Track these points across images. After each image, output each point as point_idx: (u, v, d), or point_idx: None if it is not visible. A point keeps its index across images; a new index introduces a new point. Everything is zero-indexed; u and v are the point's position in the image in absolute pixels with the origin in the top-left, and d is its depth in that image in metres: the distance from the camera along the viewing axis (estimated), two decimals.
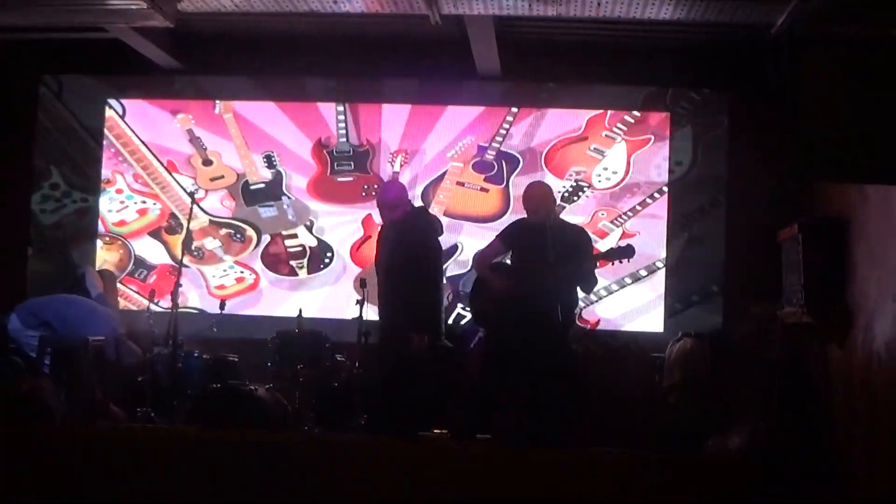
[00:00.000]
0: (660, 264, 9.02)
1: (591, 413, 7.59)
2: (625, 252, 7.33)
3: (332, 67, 9.39)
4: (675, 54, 8.86)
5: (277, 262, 9.44)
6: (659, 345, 8.59)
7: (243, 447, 6.12)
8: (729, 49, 8.65)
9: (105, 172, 9.59)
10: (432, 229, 7.67)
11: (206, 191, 9.51)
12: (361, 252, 9.26)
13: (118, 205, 9.59)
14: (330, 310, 9.08)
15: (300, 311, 8.04)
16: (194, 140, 9.54)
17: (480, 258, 7.57)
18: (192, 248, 9.40)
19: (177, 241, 9.20)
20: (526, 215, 7.46)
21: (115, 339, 8.02)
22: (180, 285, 7.81)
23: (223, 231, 9.47)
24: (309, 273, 9.40)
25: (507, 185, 9.23)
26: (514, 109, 9.29)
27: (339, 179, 9.40)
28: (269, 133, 9.51)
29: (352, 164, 9.41)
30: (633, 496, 5.80)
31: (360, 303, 7.66)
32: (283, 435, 6.70)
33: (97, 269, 9.14)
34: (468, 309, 8.10)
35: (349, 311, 7.85)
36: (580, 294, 7.45)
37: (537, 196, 7.41)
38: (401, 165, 9.34)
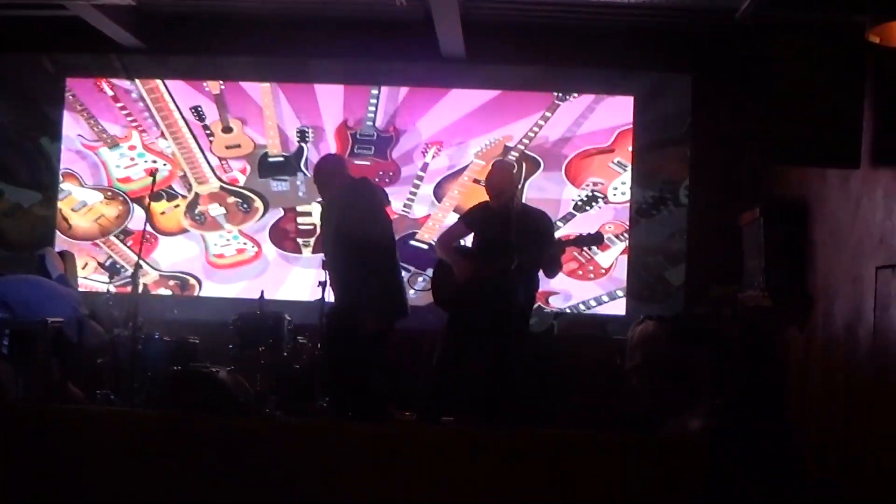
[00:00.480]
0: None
1: (553, 395, 7.62)
2: (594, 239, 7.31)
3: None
4: (639, 38, 8.87)
5: (284, 237, 9.43)
6: (621, 327, 8.64)
7: (204, 430, 6.08)
8: (693, 33, 8.68)
9: (122, 129, 9.56)
10: (377, 199, 7.32)
11: (220, 158, 9.52)
12: None
13: (128, 161, 9.55)
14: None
15: (262, 292, 8.00)
16: (220, 105, 9.50)
17: (442, 241, 7.50)
18: (196, 213, 9.44)
19: (158, 208, 9.25)
20: (488, 199, 7.40)
21: (78, 319, 7.94)
22: (140, 266, 7.73)
23: (231, 199, 9.44)
24: (314, 252, 9.32)
25: (522, 188, 9.10)
26: (548, 114, 9.25)
27: (357, 163, 9.30)
28: (297, 109, 9.48)
29: (372, 148, 9.38)
30: (593, 475, 5.81)
31: (322, 284, 7.62)
32: (244, 418, 6.65)
33: (57, 249, 9.07)
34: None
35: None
36: (542, 278, 7.45)
37: (500, 180, 7.30)
38: (433, 157, 9.33)
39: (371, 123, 9.38)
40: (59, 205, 9.52)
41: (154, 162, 9.46)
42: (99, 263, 9.45)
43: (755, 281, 7.27)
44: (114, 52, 9.33)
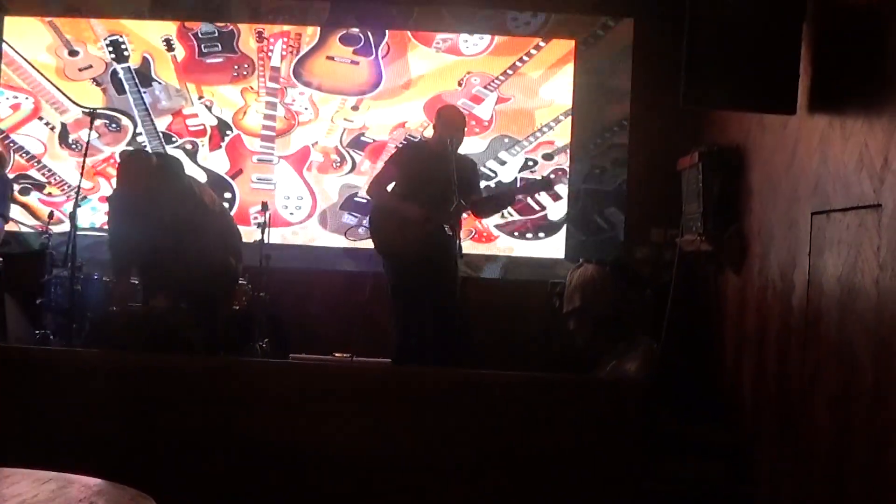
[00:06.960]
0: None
1: (492, 338, 7.67)
2: (544, 185, 7.28)
3: None
4: None
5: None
6: (560, 271, 8.67)
7: (141, 370, 6.04)
8: None
9: None
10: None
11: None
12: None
13: None
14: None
15: None
16: (56, 31, 9.31)
17: (377, 186, 7.27)
18: (70, 141, 9.27)
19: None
20: (436, 137, 7.25)
21: None
22: (78, 205, 7.66)
23: (98, 122, 9.00)
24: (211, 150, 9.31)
25: (377, 57, 9.22)
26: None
27: (209, 61, 9.30)
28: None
29: (219, 45, 9.31)
30: (533, 416, 5.84)
31: (262, 226, 7.59)
32: (183, 357, 6.60)
33: None
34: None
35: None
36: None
37: (459, 123, 7.18)
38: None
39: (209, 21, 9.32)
40: None
41: (16, 97, 9.32)
42: None
43: (693, 226, 7.34)
44: None
